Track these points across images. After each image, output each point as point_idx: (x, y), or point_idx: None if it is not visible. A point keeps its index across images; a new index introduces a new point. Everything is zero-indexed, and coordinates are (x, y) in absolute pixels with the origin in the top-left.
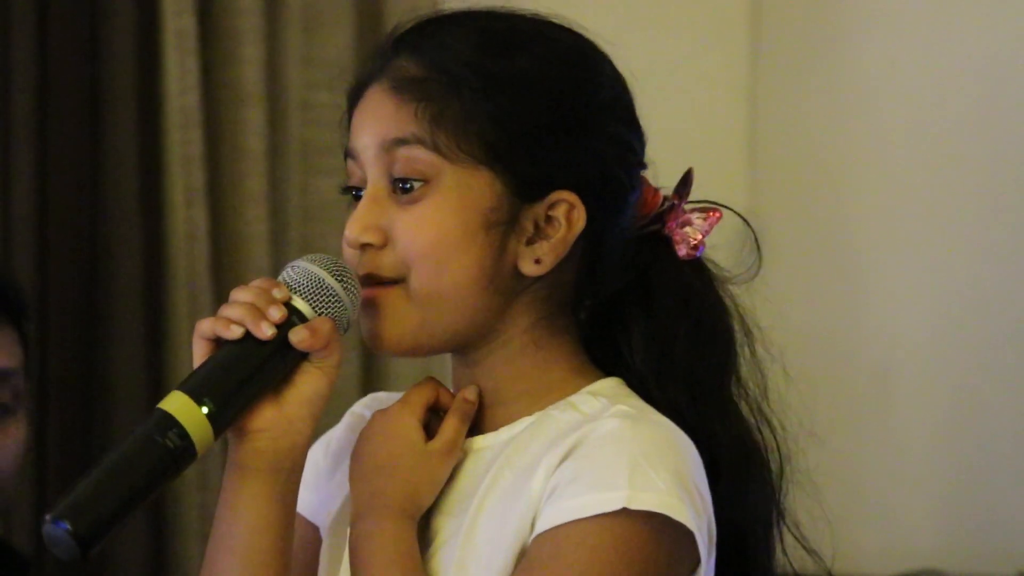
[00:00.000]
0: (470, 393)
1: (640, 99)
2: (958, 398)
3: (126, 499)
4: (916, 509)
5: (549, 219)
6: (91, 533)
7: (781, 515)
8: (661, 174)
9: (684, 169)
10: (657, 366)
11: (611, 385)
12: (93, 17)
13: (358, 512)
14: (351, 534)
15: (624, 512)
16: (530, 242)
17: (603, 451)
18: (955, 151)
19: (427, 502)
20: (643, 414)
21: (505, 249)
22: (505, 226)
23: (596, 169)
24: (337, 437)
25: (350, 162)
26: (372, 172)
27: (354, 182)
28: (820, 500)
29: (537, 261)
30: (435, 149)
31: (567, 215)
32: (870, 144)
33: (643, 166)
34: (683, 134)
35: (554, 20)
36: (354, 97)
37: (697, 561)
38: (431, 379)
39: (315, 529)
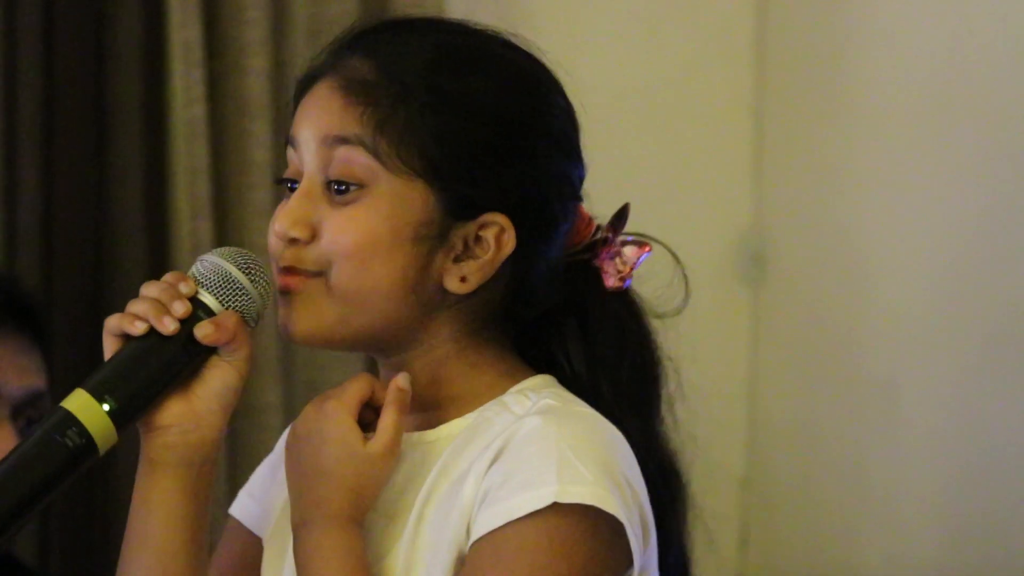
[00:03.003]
0: (402, 380)
1: (645, 112)
2: (963, 409)
3: (25, 498)
4: (921, 519)
5: (479, 239)
6: None
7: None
8: (666, 185)
9: (690, 181)
10: (607, 389)
11: (540, 382)
12: (99, 28)
13: (302, 519)
14: (296, 543)
15: (555, 507)
16: (458, 260)
17: (529, 449)
18: (962, 163)
19: (371, 505)
20: (568, 406)
21: (431, 263)
22: (434, 241)
23: (532, 197)
24: (278, 450)
25: (290, 150)
26: (309, 165)
27: (290, 173)
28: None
29: (463, 279)
30: (375, 155)
31: (497, 237)
32: (876, 156)
33: (579, 199)
34: (688, 146)
35: (514, 42)
36: (303, 88)
37: (630, 554)
38: (365, 374)
39: (256, 540)
